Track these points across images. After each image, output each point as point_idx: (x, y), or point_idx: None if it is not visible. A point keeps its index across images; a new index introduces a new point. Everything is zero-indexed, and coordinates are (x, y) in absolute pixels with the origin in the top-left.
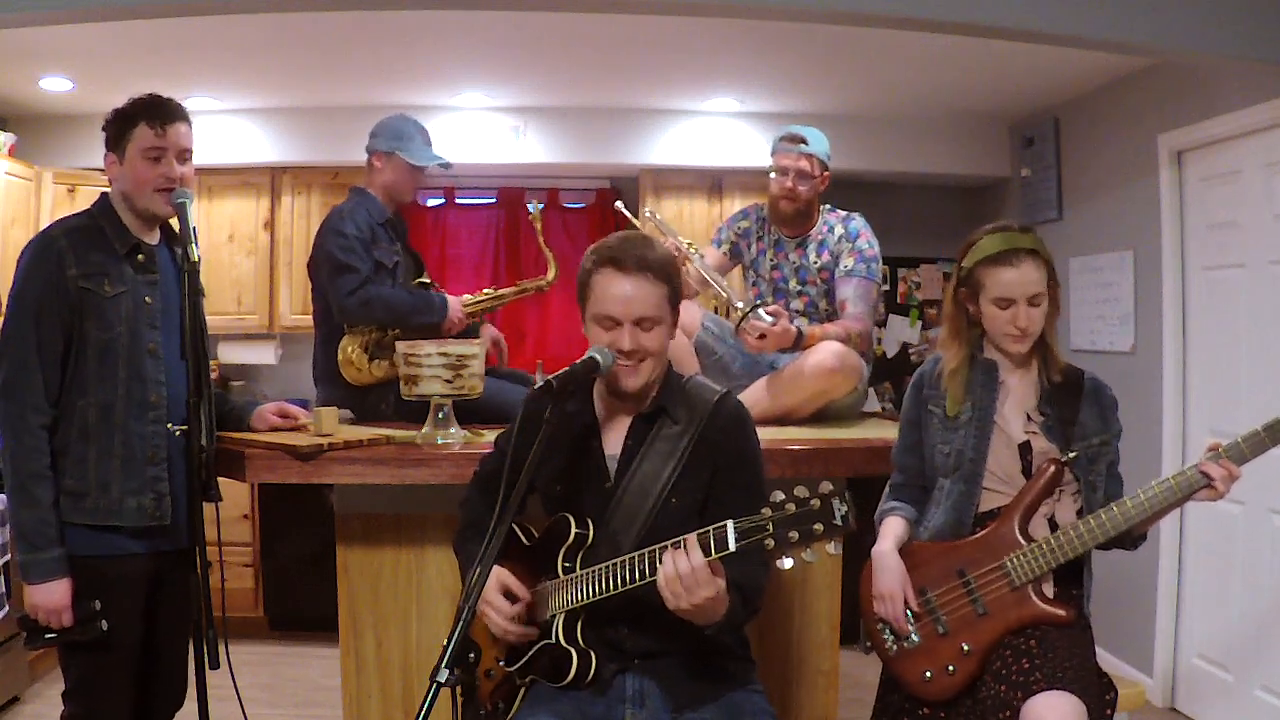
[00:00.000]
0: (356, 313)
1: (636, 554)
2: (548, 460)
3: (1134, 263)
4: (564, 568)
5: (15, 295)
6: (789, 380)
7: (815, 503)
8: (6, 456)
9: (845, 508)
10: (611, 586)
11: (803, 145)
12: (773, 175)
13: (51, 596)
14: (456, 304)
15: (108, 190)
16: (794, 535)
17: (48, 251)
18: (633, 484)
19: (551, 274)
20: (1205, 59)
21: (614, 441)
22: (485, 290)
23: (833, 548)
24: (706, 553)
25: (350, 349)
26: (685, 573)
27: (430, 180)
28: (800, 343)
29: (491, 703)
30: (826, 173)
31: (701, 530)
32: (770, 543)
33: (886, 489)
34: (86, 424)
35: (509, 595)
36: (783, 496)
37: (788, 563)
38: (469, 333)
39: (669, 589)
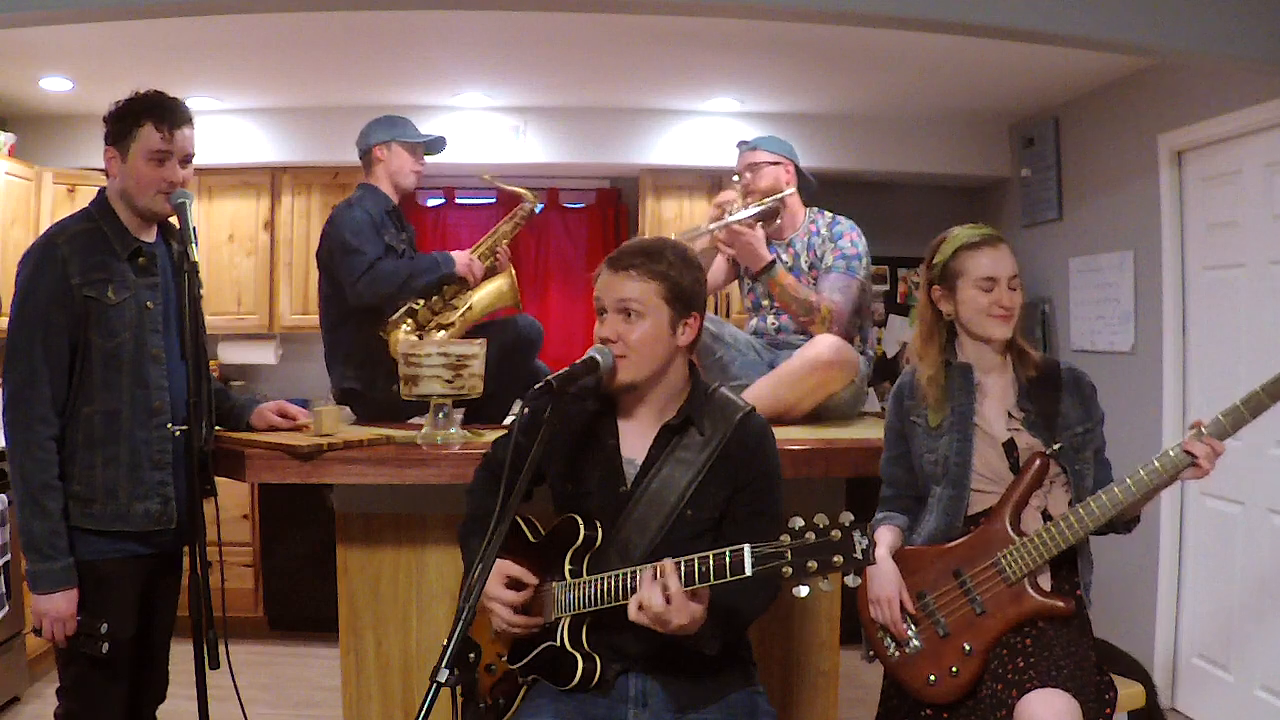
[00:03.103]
0: (366, 292)
1: (649, 566)
2: (561, 456)
3: (1134, 263)
4: (570, 570)
5: (20, 304)
6: (786, 375)
7: (836, 534)
8: (15, 468)
9: (866, 541)
10: (623, 595)
11: (745, 145)
12: (736, 181)
13: (57, 605)
14: (463, 254)
15: (104, 187)
16: (812, 565)
17: (51, 259)
18: (649, 491)
19: (530, 201)
20: (1205, 59)
21: (633, 446)
22: (482, 240)
23: (851, 580)
24: (721, 575)
25: (399, 340)
26: (660, 609)
27: (430, 180)
28: (771, 271)
29: (492, 697)
30: (788, 162)
31: (718, 551)
32: (788, 570)
33: (879, 503)
34: (93, 431)
35: (514, 585)
36: (802, 524)
37: (803, 590)
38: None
39: (641, 618)
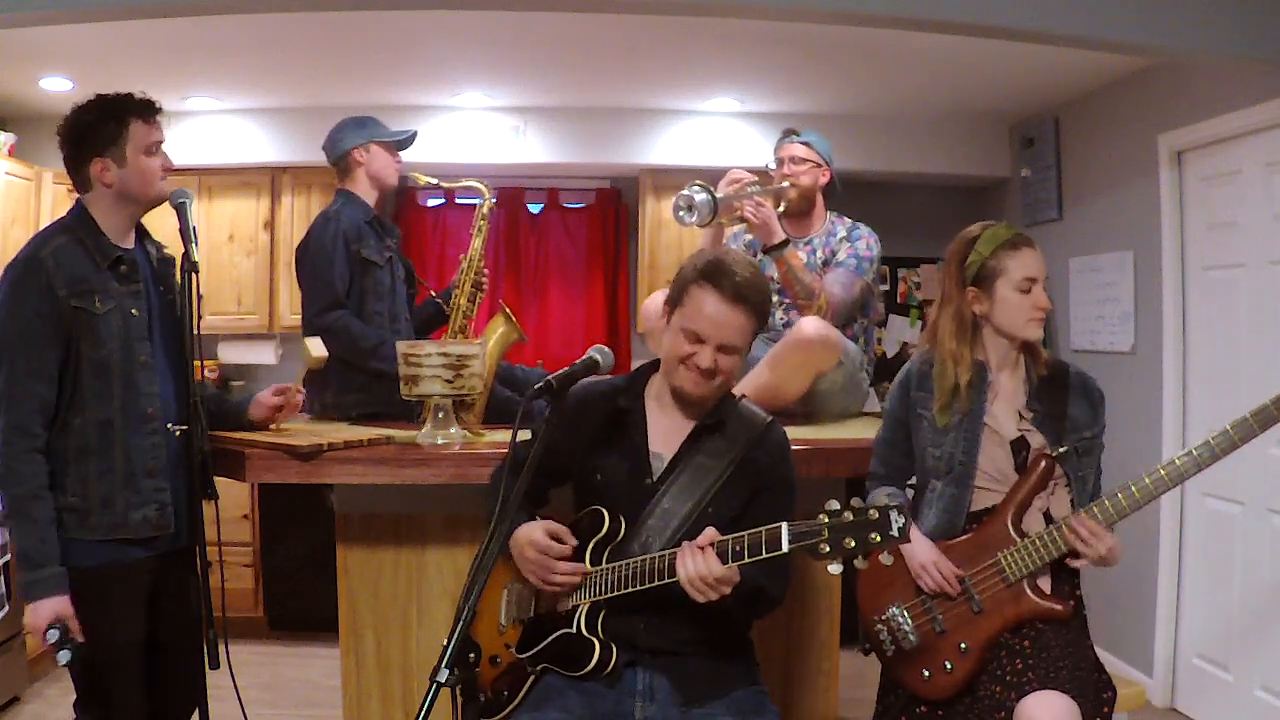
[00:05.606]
0: (318, 335)
1: (668, 552)
2: (587, 449)
3: (1134, 263)
4: (591, 560)
5: (5, 319)
6: (771, 357)
7: (873, 513)
8: (1, 479)
9: (903, 519)
10: (643, 581)
11: (795, 135)
12: (770, 168)
13: (53, 608)
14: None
15: (80, 198)
16: (850, 543)
17: (36, 273)
18: (677, 484)
19: (485, 194)
20: (1205, 59)
21: (661, 441)
22: (464, 271)
23: (885, 558)
24: (757, 552)
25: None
26: (703, 575)
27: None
28: (782, 248)
29: (494, 690)
30: (826, 166)
31: (754, 530)
32: (825, 548)
33: (869, 478)
34: (86, 442)
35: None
36: (838, 506)
37: (836, 568)
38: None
39: (692, 588)
